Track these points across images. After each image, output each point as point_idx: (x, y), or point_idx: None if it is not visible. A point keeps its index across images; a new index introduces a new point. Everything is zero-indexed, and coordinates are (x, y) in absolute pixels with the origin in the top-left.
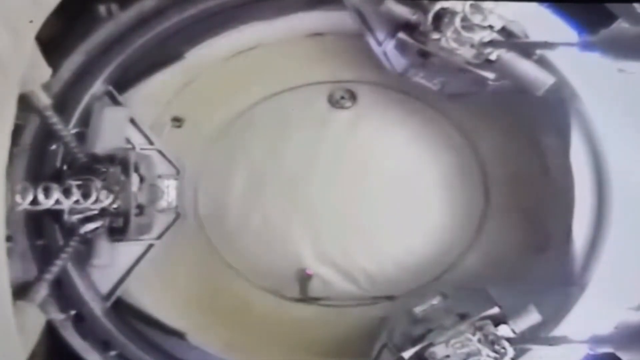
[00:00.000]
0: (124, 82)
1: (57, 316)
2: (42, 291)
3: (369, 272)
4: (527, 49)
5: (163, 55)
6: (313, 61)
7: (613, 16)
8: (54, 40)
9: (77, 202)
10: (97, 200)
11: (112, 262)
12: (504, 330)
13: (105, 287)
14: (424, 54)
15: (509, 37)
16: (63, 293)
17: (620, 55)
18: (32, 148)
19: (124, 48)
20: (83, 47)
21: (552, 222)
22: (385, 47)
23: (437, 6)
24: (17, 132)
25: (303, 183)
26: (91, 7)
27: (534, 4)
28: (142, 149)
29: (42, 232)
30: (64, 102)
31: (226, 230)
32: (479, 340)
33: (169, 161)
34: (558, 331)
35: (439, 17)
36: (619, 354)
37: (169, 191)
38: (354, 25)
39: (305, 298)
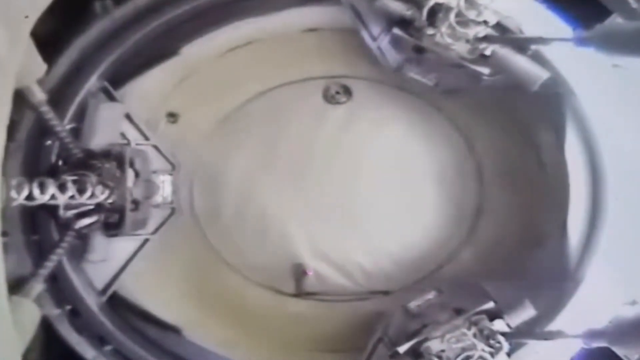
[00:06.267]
0: (119, 77)
1: (53, 311)
2: (38, 286)
3: (364, 267)
4: (521, 45)
5: (158, 51)
6: (308, 56)
7: (607, 11)
8: (49, 36)
9: (72, 197)
10: (92, 196)
11: (107, 257)
12: (499, 324)
13: (100, 282)
14: (419, 50)
15: (503, 33)
16: (58, 288)
17: (615, 50)
18: (28, 143)
19: (119, 44)
20: (78, 43)
21: (547, 217)
22: (380, 43)
23: (432, 2)
24: (12, 128)
25: (298, 178)
26: (86, 3)
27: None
28: (137, 144)
29: (37, 227)
30: (59, 98)
31: (221, 226)
32: (474, 335)
33: (165, 157)
34: (553, 326)
35: (433, 12)
36: (614, 348)
37: (165, 186)
38: (348, 20)
39: (300, 293)
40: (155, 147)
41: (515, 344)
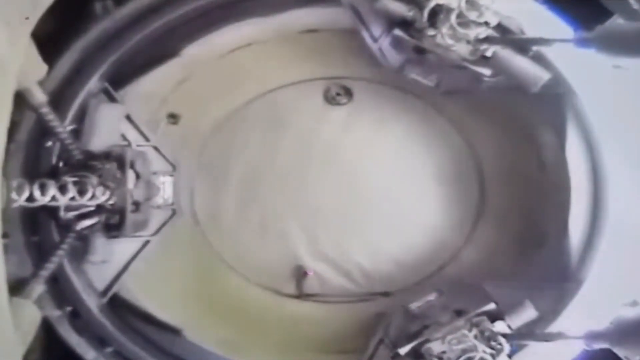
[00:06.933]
0: (119, 79)
1: (53, 312)
2: (38, 287)
3: (364, 269)
4: (522, 45)
5: (159, 52)
6: (308, 58)
7: (608, 12)
8: (50, 38)
9: (73, 198)
10: (93, 197)
11: (108, 258)
12: (500, 326)
13: (101, 283)
14: (420, 51)
15: (504, 34)
16: (59, 289)
17: (616, 51)
18: (28, 145)
19: (119, 45)
20: (79, 44)
21: (548, 218)
22: (381, 44)
23: (433, 3)
24: (13, 129)
25: (299, 179)
26: (87, 4)
27: (530, 0)
28: (138, 145)
29: (38, 228)
30: (59, 99)
31: (222, 227)
32: (475, 336)
33: (165, 158)
34: (554, 327)
35: (434, 13)
36: (615, 349)
37: (165, 188)
38: (349, 21)
39: (301, 294)
40: (156, 148)
41: (517, 345)
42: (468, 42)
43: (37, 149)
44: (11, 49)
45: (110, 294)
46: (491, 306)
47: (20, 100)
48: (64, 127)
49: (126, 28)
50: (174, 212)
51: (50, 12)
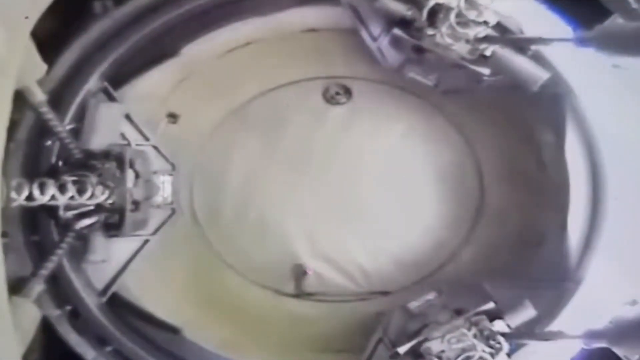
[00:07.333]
0: (119, 78)
1: (53, 312)
2: (38, 287)
3: (364, 268)
4: (522, 45)
5: (158, 51)
6: (308, 57)
7: (608, 12)
8: (49, 37)
9: (72, 198)
10: (92, 196)
11: (107, 257)
12: (499, 325)
13: (100, 282)
14: (419, 50)
15: (504, 33)
16: (59, 289)
17: (615, 50)
18: (28, 144)
19: (119, 44)
20: (78, 43)
21: (547, 217)
22: (380, 43)
23: (432, 2)
24: (12, 128)
25: (298, 179)
26: (86, 3)
27: (529, 0)
28: (137, 144)
29: (37, 227)
30: (59, 98)
31: (221, 226)
32: (475, 336)
33: (165, 157)
34: (553, 326)
35: (434, 12)
36: (614, 349)
37: (165, 187)
38: (348, 21)
39: (300, 293)
40: (155, 148)
41: (516, 344)
42: (467, 41)
43: (36, 148)
44: (11, 48)
45: (109, 293)
46: (490, 305)
47: (20, 99)
48: (64, 126)
49: (125, 27)
50: (173, 212)
51: (50, 11)
